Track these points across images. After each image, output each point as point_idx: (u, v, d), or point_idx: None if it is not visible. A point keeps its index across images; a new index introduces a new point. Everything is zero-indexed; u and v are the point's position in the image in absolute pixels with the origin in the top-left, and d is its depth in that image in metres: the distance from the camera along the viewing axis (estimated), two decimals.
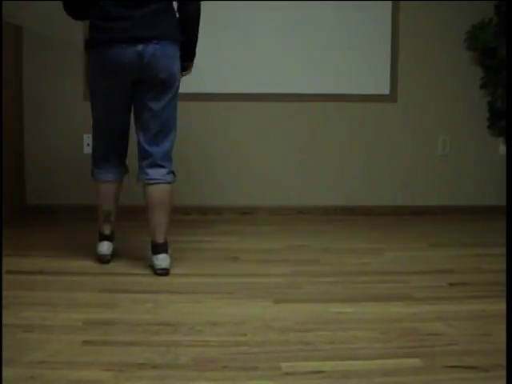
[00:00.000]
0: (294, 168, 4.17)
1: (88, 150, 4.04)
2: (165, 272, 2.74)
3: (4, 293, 2.40)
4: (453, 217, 4.13)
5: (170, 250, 2.83)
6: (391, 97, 4.16)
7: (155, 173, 2.77)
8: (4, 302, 2.33)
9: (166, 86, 2.70)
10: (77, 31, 3.92)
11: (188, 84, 4.04)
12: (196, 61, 4.10)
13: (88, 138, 4.03)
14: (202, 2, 2.77)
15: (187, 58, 2.84)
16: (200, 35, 2.86)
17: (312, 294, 2.55)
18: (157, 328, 2.14)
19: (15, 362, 1.84)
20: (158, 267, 2.74)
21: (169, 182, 2.79)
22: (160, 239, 2.79)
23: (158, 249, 2.77)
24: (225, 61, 4.03)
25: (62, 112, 4.02)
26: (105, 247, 2.90)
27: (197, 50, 2.89)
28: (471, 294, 2.56)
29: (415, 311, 2.33)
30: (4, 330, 2.05)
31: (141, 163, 2.81)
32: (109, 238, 2.93)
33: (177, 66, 2.73)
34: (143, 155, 2.80)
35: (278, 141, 4.15)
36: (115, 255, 2.96)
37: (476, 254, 3.19)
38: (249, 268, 2.92)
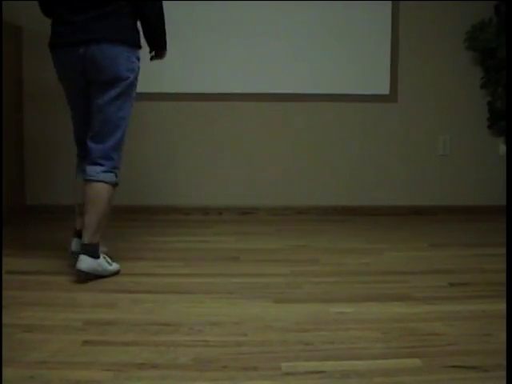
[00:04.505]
0: (293, 168, 4.17)
1: None
2: (81, 274, 2.61)
3: (4, 293, 2.40)
4: (453, 217, 4.13)
5: (103, 255, 2.71)
6: (391, 97, 4.16)
7: (91, 170, 2.70)
8: (4, 302, 2.32)
9: (109, 84, 2.68)
10: None
11: (187, 84, 4.06)
12: (197, 61, 4.11)
13: None
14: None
15: (157, 48, 2.87)
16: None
17: (312, 294, 2.55)
18: (156, 328, 2.14)
19: (15, 361, 1.83)
20: (76, 267, 2.63)
21: (104, 182, 2.67)
22: (84, 239, 2.65)
23: (81, 249, 2.66)
24: (226, 61, 4.03)
25: (62, 112, 4.00)
26: (73, 244, 2.83)
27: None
28: (471, 294, 2.55)
29: (415, 311, 2.33)
30: (4, 330, 2.05)
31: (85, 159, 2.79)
32: (79, 235, 2.80)
33: (124, 66, 2.67)
34: (87, 151, 2.76)
35: (278, 141, 4.15)
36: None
37: (476, 254, 3.18)
38: (249, 268, 2.92)
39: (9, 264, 2.83)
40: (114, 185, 2.72)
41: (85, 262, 2.62)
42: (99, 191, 2.67)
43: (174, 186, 4.12)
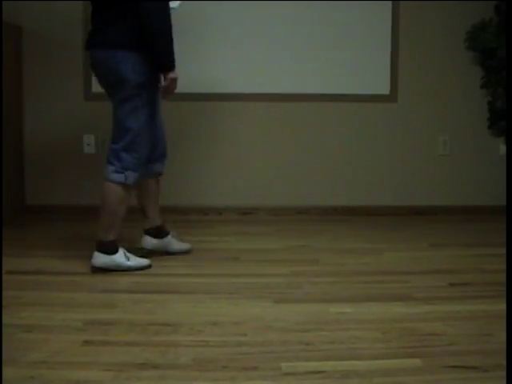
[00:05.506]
0: (294, 168, 4.17)
1: (88, 149, 4.05)
2: (93, 269, 2.78)
3: (4, 293, 2.40)
4: (453, 217, 4.13)
5: (123, 250, 2.83)
6: (391, 97, 4.16)
7: (105, 169, 2.79)
8: (4, 302, 2.32)
9: (114, 88, 2.77)
10: (77, 31, 3.93)
11: (187, 84, 4.05)
12: (196, 61, 4.10)
13: (88, 138, 4.04)
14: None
15: (159, 67, 2.74)
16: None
17: (312, 294, 2.55)
18: (157, 328, 2.14)
19: (15, 361, 1.84)
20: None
21: (113, 182, 2.75)
22: (97, 237, 2.80)
23: (95, 245, 2.80)
24: (225, 61, 4.03)
25: (62, 112, 4.02)
26: (142, 241, 3.10)
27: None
28: (471, 294, 2.55)
29: (415, 311, 2.33)
30: (4, 330, 2.05)
31: None
32: (147, 232, 3.10)
33: (126, 70, 2.68)
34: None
35: (278, 141, 4.15)
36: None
37: (476, 254, 3.18)
38: (249, 268, 2.92)
39: (9, 264, 2.83)
40: (124, 185, 2.77)
41: (96, 258, 2.78)
42: (108, 191, 2.77)
43: (174, 186, 4.12)
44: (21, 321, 2.18)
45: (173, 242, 3.12)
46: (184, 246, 3.16)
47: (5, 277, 2.63)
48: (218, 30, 3.99)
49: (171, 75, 2.72)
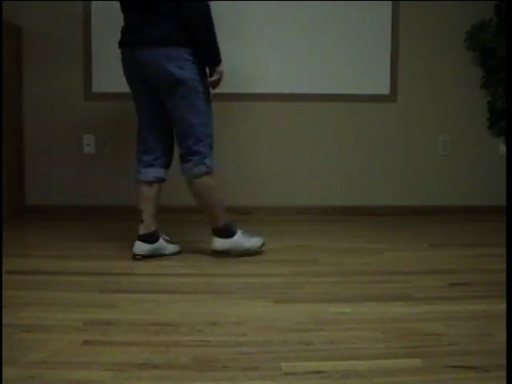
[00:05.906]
0: (294, 168, 4.17)
1: (87, 149, 4.05)
2: (215, 252, 3.03)
3: (4, 293, 2.40)
4: (453, 217, 4.13)
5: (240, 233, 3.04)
6: (391, 97, 4.16)
7: (183, 168, 2.92)
8: (4, 302, 2.32)
9: (170, 86, 2.78)
10: (77, 31, 3.93)
11: None
12: None
13: (88, 138, 4.04)
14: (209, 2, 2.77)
15: (205, 62, 2.84)
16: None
17: (312, 294, 2.55)
18: (157, 328, 2.14)
19: (15, 361, 1.83)
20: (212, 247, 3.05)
21: (196, 176, 2.88)
22: (211, 226, 3.04)
23: (213, 232, 3.04)
24: (225, 61, 4.02)
25: (62, 112, 4.02)
26: (134, 246, 2.99)
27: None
28: (471, 294, 2.55)
29: (415, 311, 2.33)
30: (4, 330, 2.04)
31: None
32: (140, 238, 2.99)
33: (177, 68, 2.74)
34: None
35: (278, 141, 4.15)
36: (150, 257, 3.00)
37: (476, 254, 3.18)
38: (249, 268, 2.92)
39: (9, 264, 2.83)
40: (209, 173, 2.89)
41: (216, 243, 3.01)
42: (197, 187, 2.92)
43: (174, 186, 4.11)
44: (21, 321, 2.17)
45: (164, 246, 3.08)
46: (175, 248, 3.12)
47: (5, 277, 2.63)
48: (218, 30, 3.98)
49: (219, 69, 2.84)
